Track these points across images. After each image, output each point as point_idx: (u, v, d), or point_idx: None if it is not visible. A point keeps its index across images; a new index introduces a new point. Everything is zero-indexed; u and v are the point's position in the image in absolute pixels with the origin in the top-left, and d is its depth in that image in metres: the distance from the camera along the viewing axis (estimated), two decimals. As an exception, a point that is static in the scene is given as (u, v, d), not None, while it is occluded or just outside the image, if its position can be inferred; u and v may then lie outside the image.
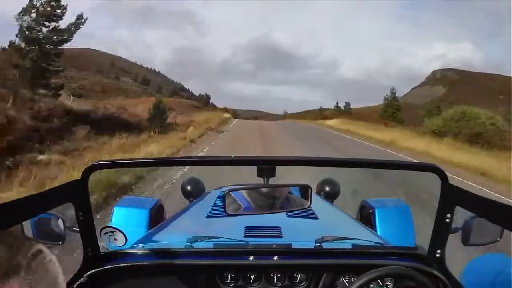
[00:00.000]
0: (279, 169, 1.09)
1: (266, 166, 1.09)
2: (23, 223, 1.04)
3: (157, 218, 2.14)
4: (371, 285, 1.13)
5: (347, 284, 1.18)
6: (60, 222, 1.10)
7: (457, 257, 1.28)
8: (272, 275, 1.19)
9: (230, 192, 1.10)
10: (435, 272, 1.11)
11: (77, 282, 1.07)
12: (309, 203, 1.11)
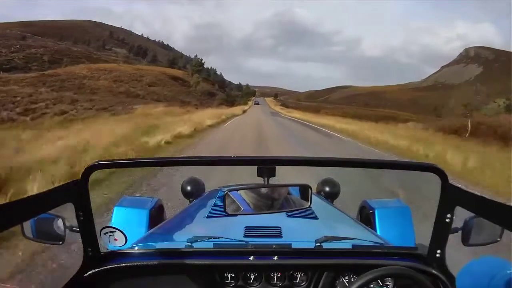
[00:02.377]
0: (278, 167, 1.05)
1: (266, 166, 1.09)
2: (23, 223, 1.04)
3: (157, 218, 2.14)
4: (371, 285, 1.13)
5: (347, 284, 1.18)
6: (60, 222, 1.10)
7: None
8: (272, 275, 1.19)
9: (230, 192, 1.10)
10: (435, 272, 1.11)
11: (77, 282, 1.07)
12: (309, 203, 1.11)
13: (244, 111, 46.66)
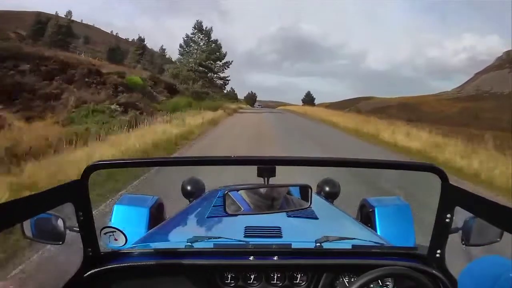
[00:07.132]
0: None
1: (266, 166, 1.08)
2: (23, 223, 1.04)
3: (157, 216, 2.14)
4: (371, 285, 1.13)
5: (347, 284, 1.18)
6: (60, 222, 1.10)
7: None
8: (272, 275, 1.19)
9: (230, 192, 1.10)
10: (435, 272, 1.11)
11: (77, 282, 1.07)
12: (309, 203, 1.11)
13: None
